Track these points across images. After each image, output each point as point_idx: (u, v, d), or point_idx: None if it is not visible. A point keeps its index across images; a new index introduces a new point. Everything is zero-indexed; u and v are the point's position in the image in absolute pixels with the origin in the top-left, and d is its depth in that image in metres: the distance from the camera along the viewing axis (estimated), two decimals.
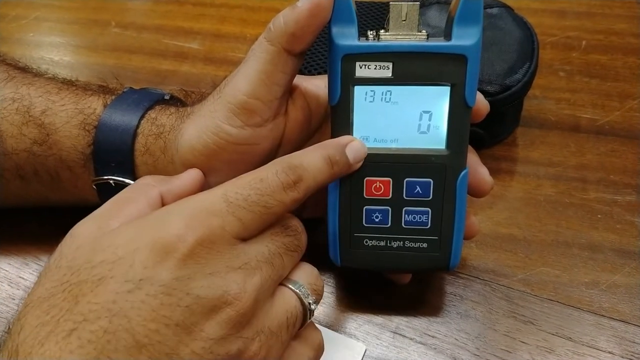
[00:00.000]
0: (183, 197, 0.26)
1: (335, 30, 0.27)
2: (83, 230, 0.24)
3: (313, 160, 0.26)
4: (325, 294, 0.33)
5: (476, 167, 0.30)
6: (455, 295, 0.33)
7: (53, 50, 0.58)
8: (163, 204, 0.26)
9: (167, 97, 0.34)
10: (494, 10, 0.44)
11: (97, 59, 0.56)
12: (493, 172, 0.31)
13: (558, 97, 0.48)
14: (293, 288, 0.24)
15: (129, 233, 0.22)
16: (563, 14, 0.59)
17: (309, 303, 0.25)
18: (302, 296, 0.24)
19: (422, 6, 0.44)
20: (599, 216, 0.38)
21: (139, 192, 0.26)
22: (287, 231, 0.25)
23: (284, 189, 0.24)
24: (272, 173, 0.24)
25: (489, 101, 0.31)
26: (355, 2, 0.28)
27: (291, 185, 0.24)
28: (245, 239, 0.23)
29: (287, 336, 0.24)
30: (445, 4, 0.44)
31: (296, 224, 0.26)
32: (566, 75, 0.50)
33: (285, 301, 0.24)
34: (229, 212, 0.23)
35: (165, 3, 0.66)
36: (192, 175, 0.29)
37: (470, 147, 0.30)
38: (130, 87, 0.35)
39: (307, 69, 0.42)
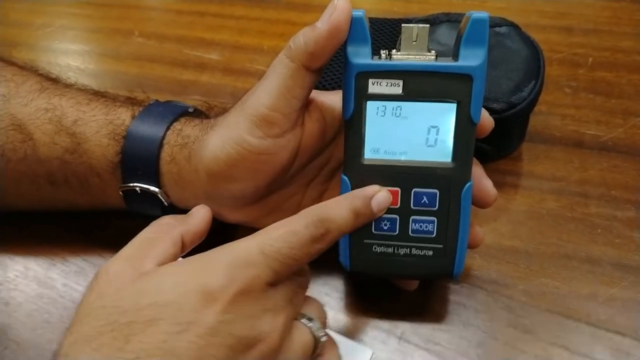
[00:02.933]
0: (199, 235, 0.31)
1: (350, 49, 0.29)
2: (118, 271, 0.26)
3: (341, 213, 0.28)
4: (334, 299, 0.35)
5: (481, 179, 0.32)
6: (458, 304, 0.34)
7: (78, 58, 0.59)
8: (183, 243, 0.30)
9: (191, 110, 0.36)
10: (502, 29, 0.45)
11: (120, 67, 0.58)
12: (498, 185, 0.32)
13: (563, 113, 0.48)
14: (307, 324, 0.27)
15: (175, 278, 0.25)
16: (571, 31, 0.59)
17: (320, 336, 0.27)
18: (314, 331, 0.27)
19: (432, 24, 0.46)
20: (599, 230, 0.38)
21: (162, 232, 0.30)
22: (301, 272, 0.28)
23: (312, 242, 0.26)
24: (303, 226, 0.26)
25: (496, 118, 0.32)
26: (369, 19, 0.29)
27: (319, 238, 0.27)
28: (274, 284, 0.26)
29: None
30: (456, 22, 0.46)
31: (305, 265, 0.28)
32: (572, 92, 0.51)
33: (301, 336, 0.27)
34: (265, 264, 0.25)
35: (187, 14, 0.67)
36: (203, 214, 0.33)
37: (475, 160, 0.31)
38: (156, 100, 0.37)
39: (323, 84, 0.44)
